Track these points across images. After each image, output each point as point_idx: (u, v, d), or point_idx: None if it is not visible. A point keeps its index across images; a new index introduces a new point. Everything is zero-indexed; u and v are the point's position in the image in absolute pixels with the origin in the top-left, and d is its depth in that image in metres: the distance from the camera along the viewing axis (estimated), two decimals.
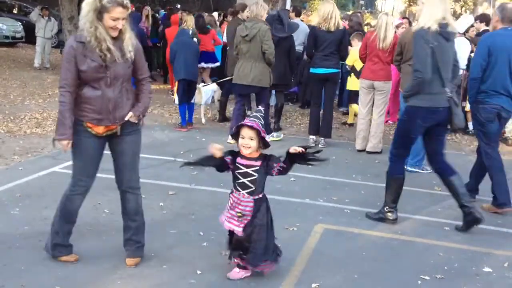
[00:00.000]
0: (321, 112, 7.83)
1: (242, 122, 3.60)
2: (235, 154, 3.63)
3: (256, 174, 3.56)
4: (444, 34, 4.52)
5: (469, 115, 8.33)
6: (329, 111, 7.74)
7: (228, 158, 3.60)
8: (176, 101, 8.34)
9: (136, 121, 3.68)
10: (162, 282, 3.58)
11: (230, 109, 9.56)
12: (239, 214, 3.59)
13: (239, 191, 3.61)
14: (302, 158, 3.55)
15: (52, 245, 3.73)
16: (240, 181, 3.59)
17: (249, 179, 3.57)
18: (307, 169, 6.05)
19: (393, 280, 3.80)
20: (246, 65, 7.32)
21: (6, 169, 5.79)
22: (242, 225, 3.59)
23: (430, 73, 4.48)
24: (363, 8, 48.72)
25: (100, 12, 3.40)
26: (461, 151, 8.02)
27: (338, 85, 8.11)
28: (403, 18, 13.82)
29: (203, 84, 9.46)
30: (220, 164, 3.62)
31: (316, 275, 3.76)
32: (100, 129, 3.57)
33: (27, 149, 6.62)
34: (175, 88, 8.40)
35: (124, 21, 3.48)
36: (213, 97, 9.13)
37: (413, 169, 6.60)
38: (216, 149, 3.57)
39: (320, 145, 7.65)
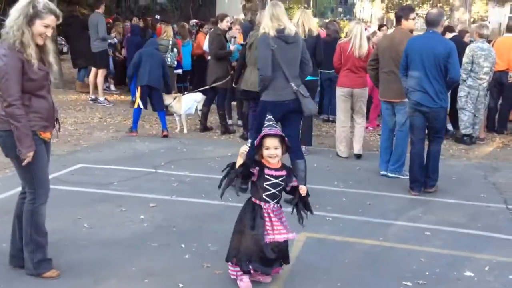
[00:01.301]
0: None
1: (264, 133, 3.65)
2: (259, 165, 3.64)
3: (283, 183, 3.68)
4: (282, 37, 5.19)
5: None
6: (308, 119, 7.75)
7: (254, 170, 3.62)
8: (141, 105, 8.45)
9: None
10: None
11: (210, 118, 9.55)
12: (281, 222, 3.68)
13: (269, 202, 3.65)
14: (300, 200, 3.75)
15: (34, 264, 3.68)
16: (270, 192, 3.64)
17: (278, 189, 3.68)
18: None
19: (375, 287, 3.81)
20: (248, 71, 7.56)
21: None
22: (289, 231, 3.68)
23: (270, 71, 5.16)
24: (341, 15, 49.12)
25: (31, 18, 3.43)
26: (448, 157, 8.07)
27: (315, 93, 8.11)
28: (382, 25, 13.99)
29: (185, 93, 9.44)
30: (247, 175, 3.64)
31: (299, 284, 3.77)
32: (48, 135, 3.66)
33: (5, 164, 6.50)
34: (138, 94, 8.52)
35: (51, 30, 3.55)
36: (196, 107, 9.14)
37: (393, 175, 6.65)
38: (243, 155, 3.66)
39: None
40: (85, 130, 8.75)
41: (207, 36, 9.78)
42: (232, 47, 8.80)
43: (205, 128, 9.03)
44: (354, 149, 7.64)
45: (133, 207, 5.18)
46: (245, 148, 3.72)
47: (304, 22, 7.35)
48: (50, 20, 3.49)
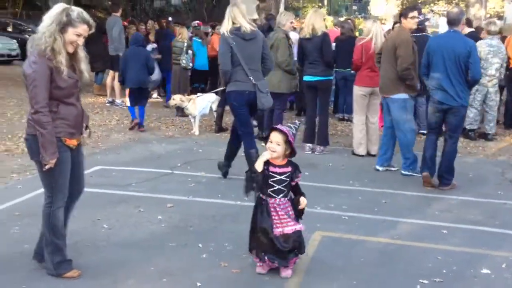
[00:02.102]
0: (317, 119, 7.89)
1: (273, 126, 3.86)
2: (265, 163, 3.77)
3: (288, 179, 3.80)
4: (240, 35, 5.73)
5: None
6: (324, 119, 7.77)
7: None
8: (128, 104, 9.24)
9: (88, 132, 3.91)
10: None
11: (225, 119, 9.61)
12: (287, 215, 3.78)
13: (274, 197, 3.77)
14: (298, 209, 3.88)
15: (55, 265, 3.75)
16: (275, 188, 3.78)
17: (283, 184, 3.80)
18: (304, 177, 6.12)
19: (391, 285, 3.83)
20: (270, 73, 7.53)
21: (5, 188, 5.82)
22: (297, 222, 3.81)
23: (230, 65, 5.74)
24: (356, 13, 48.92)
25: (64, 26, 3.49)
26: (460, 153, 8.02)
27: (330, 92, 8.12)
28: (397, 22, 13.91)
29: (199, 94, 9.51)
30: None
31: (315, 283, 3.79)
32: (74, 142, 3.70)
33: (26, 167, 6.63)
34: (127, 93, 9.29)
35: (83, 39, 3.61)
36: (211, 107, 9.20)
37: (407, 173, 6.64)
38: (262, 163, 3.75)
39: (316, 153, 7.68)
40: (103, 133, 8.86)
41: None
42: None
43: (220, 128, 9.09)
44: (370, 150, 7.64)
45: (151, 208, 5.25)
46: (267, 154, 3.76)
47: (314, 21, 7.41)
48: (83, 29, 3.54)
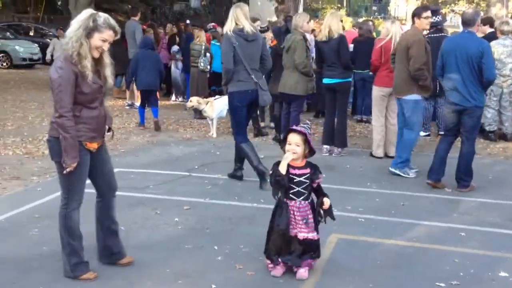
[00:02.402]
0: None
1: (291, 127, 3.87)
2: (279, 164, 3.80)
3: (307, 181, 3.80)
4: (243, 36, 5.90)
5: None
6: (342, 121, 7.74)
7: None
8: (137, 104, 9.85)
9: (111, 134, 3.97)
10: None
11: None
12: (305, 220, 3.78)
13: (295, 199, 3.77)
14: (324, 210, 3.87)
15: (71, 267, 3.80)
16: (294, 190, 3.78)
17: (303, 186, 3.79)
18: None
19: (408, 287, 3.80)
20: (285, 74, 7.67)
21: (25, 190, 5.91)
22: (313, 229, 3.82)
23: (232, 64, 5.90)
24: (375, 13, 48.67)
25: (91, 31, 3.55)
26: (476, 154, 7.91)
27: (348, 94, 8.08)
28: None
29: (216, 97, 9.55)
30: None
31: (331, 285, 3.78)
32: (94, 145, 3.75)
33: (46, 170, 6.73)
34: (138, 95, 9.84)
35: (108, 45, 3.66)
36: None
37: (394, 170, 6.67)
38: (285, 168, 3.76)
39: (334, 155, 7.66)
40: (122, 135, 8.94)
41: None
42: None
43: None
44: (389, 152, 7.58)
45: (168, 210, 5.29)
46: (290, 156, 3.77)
47: (330, 24, 7.41)
48: (108, 35, 3.60)
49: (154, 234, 4.71)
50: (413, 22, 6.68)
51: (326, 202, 3.82)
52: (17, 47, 20.74)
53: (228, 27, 6.00)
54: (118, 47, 12.35)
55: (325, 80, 7.67)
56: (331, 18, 7.56)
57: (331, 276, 3.94)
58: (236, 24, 5.95)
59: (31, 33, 24.33)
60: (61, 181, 3.79)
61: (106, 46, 3.64)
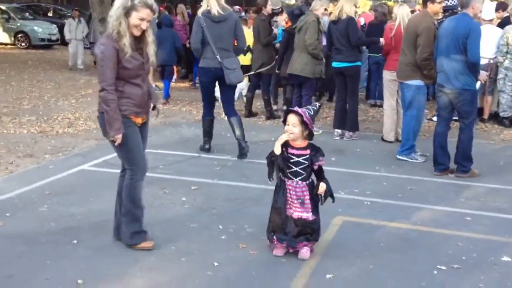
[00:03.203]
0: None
1: (290, 108, 3.91)
2: (284, 143, 3.84)
3: (306, 162, 3.82)
4: (210, 17, 6.29)
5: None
6: (353, 105, 7.72)
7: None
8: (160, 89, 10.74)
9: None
10: (180, 274, 3.68)
11: (256, 104, 9.66)
12: (300, 201, 3.82)
13: (292, 179, 3.81)
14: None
15: (131, 234, 3.96)
16: (292, 170, 3.82)
17: (301, 167, 3.82)
18: (330, 162, 6.16)
19: (408, 270, 3.81)
20: (295, 55, 7.67)
21: (38, 168, 6.01)
22: (309, 209, 3.84)
23: (199, 44, 6.36)
24: None
25: (128, 11, 3.66)
26: (489, 140, 7.89)
27: (357, 79, 7.96)
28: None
29: None
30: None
31: (331, 266, 3.81)
32: (139, 120, 3.90)
33: (59, 148, 6.84)
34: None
35: (148, 24, 3.75)
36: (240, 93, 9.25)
37: (401, 157, 6.62)
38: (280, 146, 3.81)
39: (345, 139, 7.65)
40: None
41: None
42: (275, 30, 8.92)
43: (250, 113, 9.13)
44: (400, 137, 7.53)
45: (176, 190, 5.35)
46: (285, 136, 3.80)
47: (342, 3, 7.40)
48: (145, 13, 3.70)
49: (161, 212, 4.77)
50: (425, 5, 6.54)
51: (321, 187, 3.82)
52: (35, 28, 20.93)
53: (201, 9, 6.40)
54: None
55: (334, 64, 7.65)
56: (345, 0, 7.50)
57: (333, 257, 3.97)
58: (207, 6, 6.31)
59: (50, 14, 24.50)
60: (120, 154, 3.94)
61: (144, 25, 3.72)
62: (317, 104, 4.07)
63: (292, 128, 3.78)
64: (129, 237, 3.97)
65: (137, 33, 3.74)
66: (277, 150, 3.79)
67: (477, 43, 5.76)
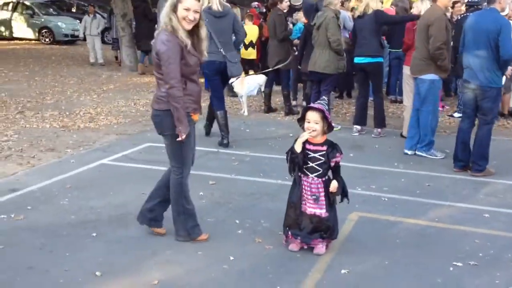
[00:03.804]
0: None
1: (307, 106, 3.91)
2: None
3: (323, 158, 3.82)
4: (211, 13, 6.54)
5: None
6: (379, 102, 7.70)
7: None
8: None
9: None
10: (196, 267, 3.73)
11: (275, 100, 9.68)
12: (314, 197, 3.83)
13: (308, 175, 3.83)
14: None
15: (189, 229, 4.06)
16: (308, 165, 3.84)
17: (317, 163, 3.83)
18: (348, 158, 6.16)
19: (424, 266, 3.81)
20: (316, 53, 7.63)
21: (59, 162, 6.12)
22: (323, 206, 3.85)
23: None
24: None
25: (175, 5, 3.72)
26: (510, 136, 7.79)
27: (381, 75, 7.93)
28: (456, 1, 13.45)
29: (251, 72, 9.58)
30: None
31: (346, 262, 3.82)
32: (197, 117, 3.96)
33: (80, 143, 6.95)
34: None
35: (197, 15, 3.76)
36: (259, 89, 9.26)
37: (422, 154, 6.57)
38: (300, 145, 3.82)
39: (373, 135, 7.62)
40: None
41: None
42: (290, 25, 8.94)
43: (269, 109, 9.16)
44: (405, 132, 7.49)
45: (194, 184, 5.32)
46: (306, 134, 3.81)
47: (369, 2, 7.37)
48: (190, 3, 3.71)
49: None
50: (435, 0, 6.49)
51: (333, 185, 3.83)
52: (59, 23, 21.20)
53: (203, 5, 6.55)
54: (143, 24, 12.69)
55: (356, 60, 7.63)
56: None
57: (348, 252, 3.98)
58: (208, 2, 6.62)
59: (73, 10, 24.77)
60: (173, 153, 3.98)
61: (192, 15, 3.72)
62: (325, 98, 4.05)
63: (314, 125, 3.78)
64: (187, 233, 4.06)
65: (187, 26, 3.74)
66: (298, 148, 3.80)
67: (510, 39, 5.69)
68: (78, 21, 21.52)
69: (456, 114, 9.00)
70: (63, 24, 21.25)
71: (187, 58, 3.72)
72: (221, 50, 6.60)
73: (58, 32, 21.07)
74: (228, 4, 6.97)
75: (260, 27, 12.17)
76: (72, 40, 21.35)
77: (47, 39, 21.19)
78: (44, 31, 21.28)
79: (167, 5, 3.78)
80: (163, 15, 3.77)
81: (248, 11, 13.75)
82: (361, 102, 7.83)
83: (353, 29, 7.79)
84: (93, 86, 11.63)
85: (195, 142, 4.11)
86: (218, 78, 6.86)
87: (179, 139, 3.77)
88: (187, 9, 3.70)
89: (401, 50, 9.06)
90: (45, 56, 17.13)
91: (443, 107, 9.44)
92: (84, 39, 15.62)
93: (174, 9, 3.72)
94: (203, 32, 3.87)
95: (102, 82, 12.24)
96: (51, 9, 22.87)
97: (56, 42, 20.97)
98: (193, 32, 3.82)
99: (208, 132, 7.39)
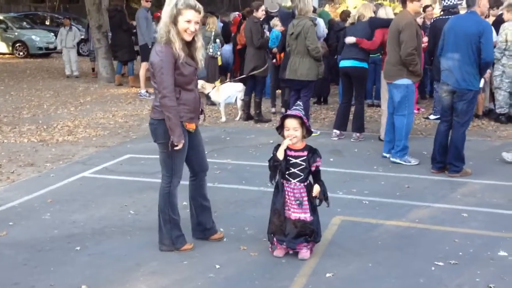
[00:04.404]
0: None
1: (285, 113, 3.94)
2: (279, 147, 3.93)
3: (304, 163, 3.88)
4: None
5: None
6: (359, 107, 7.79)
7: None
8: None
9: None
10: (182, 277, 3.75)
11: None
12: (298, 202, 3.89)
13: (290, 180, 3.89)
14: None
15: (174, 239, 4.08)
16: (290, 171, 3.90)
17: (298, 168, 3.89)
18: (328, 162, 6.23)
19: (406, 267, 3.88)
20: (295, 61, 7.69)
21: (39, 176, 6.08)
22: (307, 210, 3.91)
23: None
24: None
25: (175, 17, 3.74)
26: (486, 137, 7.96)
27: (364, 81, 7.95)
28: (427, 6, 13.69)
29: (227, 81, 9.64)
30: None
31: (331, 265, 3.88)
32: (193, 126, 3.97)
33: (59, 157, 6.91)
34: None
35: (197, 26, 3.81)
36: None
37: (395, 160, 6.59)
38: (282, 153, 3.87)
39: (352, 140, 7.70)
40: (134, 122, 9.10)
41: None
42: (267, 33, 9.05)
43: (248, 117, 9.20)
44: (382, 135, 7.59)
45: (178, 194, 5.39)
46: (287, 141, 3.87)
47: (363, 12, 7.63)
48: (191, 14, 3.75)
49: None
50: (405, 5, 6.55)
51: (315, 189, 3.90)
52: (33, 37, 21.00)
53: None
54: (121, 34, 12.69)
55: (342, 63, 7.75)
56: (363, 8, 7.74)
57: (332, 256, 4.04)
58: None
59: (47, 22, 24.59)
60: (164, 161, 4.03)
61: (193, 26, 3.76)
62: (299, 103, 4.08)
63: (294, 132, 3.85)
64: (172, 243, 4.09)
65: (188, 38, 3.80)
66: (281, 156, 3.86)
67: (492, 42, 5.82)
68: (52, 34, 21.41)
69: (432, 116, 9.16)
70: (37, 37, 21.07)
71: (181, 68, 3.76)
72: None
73: (32, 46, 20.87)
74: None
75: (235, 35, 12.28)
76: (46, 53, 21.18)
77: (21, 53, 20.98)
78: (18, 44, 21.06)
79: (165, 16, 3.78)
80: (161, 26, 3.79)
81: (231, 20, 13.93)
82: (343, 107, 7.91)
83: (344, 35, 7.90)
84: (70, 98, 11.56)
85: (203, 149, 4.16)
86: None
87: (176, 147, 3.81)
88: (189, 21, 3.75)
89: (376, 55, 9.23)
90: (19, 70, 16.97)
91: (418, 109, 9.61)
92: (61, 51, 15.51)
93: (174, 21, 3.75)
94: (199, 41, 3.92)
95: (79, 94, 12.17)
96: (25, 23, 22.66)
97: (31, 56, 20.78)
98: (190, 42, 3.86)
99: None
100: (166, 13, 3.79)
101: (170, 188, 4.04)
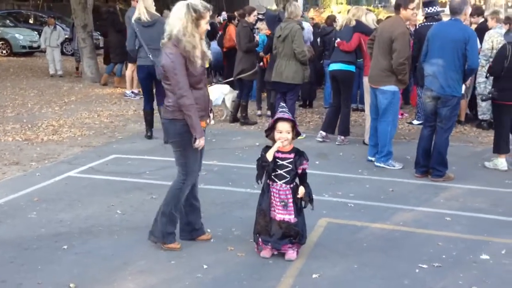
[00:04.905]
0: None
1: (278, 116, 3.97)
2: (268, 149, 3.97)
3: (290, 166, 3.94)
4: (140, 23, 7.31)
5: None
6: (345, 111, 7.85)
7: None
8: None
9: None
10: (170, 276, 3.77)
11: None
12: (283, 203, 3.93)
13: (276, 182, 3.94)
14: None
15: (164, 234, 4.10)
16: (277, 172, 3.94)
17: (285, 170, 3.95)
18: (314, 165, 6.28)
19: (391, 269, 3.95)
20: (281, 64, 7.76)
21: (24, 175, 6.05)
22: (292, 212, 3.96)
23: (134, 45, 7.44)
24: (376, 2, 48.54)
25: (197, 21, 3.81)
26: (467, 142, 8.09)
27: (351, 85, 8.05)
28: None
29: (212, 83, 9.66)
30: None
31: (317, 267, 3.93)
32: (203, 124, 4.01)
33: (44, 156, 6.88)
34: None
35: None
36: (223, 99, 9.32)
37: (380, 164, 6.65)
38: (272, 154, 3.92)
39: (337, 143, 7.76)
40: (120, 122, 9.08)
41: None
42: (257, 37, 9.07)
43: (235, 119, 9.23)
44: (367, 139, 7.66)
45: (163, 195, 5.28)
46: (278, 143, 3.91)
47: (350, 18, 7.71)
48: (208, 15, 3.88)
49: (149, 217, 4.76)
50: (398, 11, 6.56)
51: (301, 191, 3.96)
52: (16, 35, 20.80)
53: (135, 16, 7.37)
54: (114, 36, 12.58)
55: (330, 67, 7.84)
56: (356, 9, 7.93)
57: (318, 258, 4.09)
58: (139, 14, 7.29)
59: (31, 21, 24.36)
60: (180, 159, 4.06)
61: (208, 27, 3.94)
62: (283, 104, 4.18)
63: (286, 135, 3.91)
64: (162, 236, 4.11)
65: (203, 37, 3.92)
66: (270, 157, 3.91)
67: (477, 48, 5.91)
68: (36, 32, 21.21)
69: (415, 121, 9.28)
70: (20, 35, 20.86)
71: (191, 69, 3.83)
72: (150, 56, 7.20)
73: (16, 44, 20.66)
74: (157, 14, 7.50)
75: (220, 38, 12.32)
76: (30, 51, 20.99)
77: (4, 51, 20.76)
78: (1, 43, 20.85)
79: (185, 23, 3.78)
80: (185, 35, 3.77)
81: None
82: (332, 110, 7.97)
83: (333, 39, 7.98)
84: (54, 98, 11.49)
85: (203, 149, 4.17)
86: (149, 81, 7.52)
87: (195, 145, 3.87)
88: (207, 22, 3.89)
89: (360, 60, 9.31)
90: (2, 68, 16.79)
91: (402, 114, 9.72)
92: (45, 50, 15.37)
93: (197, 25, 3.82)
94: (203, 40, 3.99)
95: (63, 94, 12.10)
96: (8, 21, 22.44)
97: (14, 54, 20.57)
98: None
99: (150, 136, 7.90)
100: (182, 19, 3.79)
101: (183, 186, 4.09)
